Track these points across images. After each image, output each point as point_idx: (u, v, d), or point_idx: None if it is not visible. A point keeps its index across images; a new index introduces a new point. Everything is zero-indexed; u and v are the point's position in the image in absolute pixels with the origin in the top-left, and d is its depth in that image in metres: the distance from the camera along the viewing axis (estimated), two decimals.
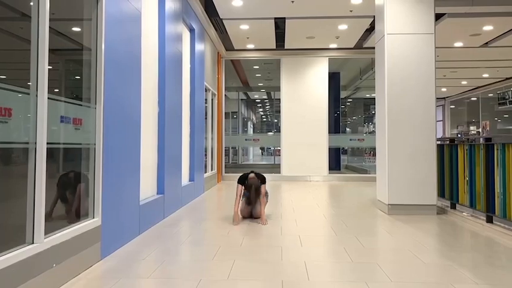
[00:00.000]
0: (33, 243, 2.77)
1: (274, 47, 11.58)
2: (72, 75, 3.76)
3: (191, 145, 8.15)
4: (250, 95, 20.02)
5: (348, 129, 17.06)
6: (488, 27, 9.09)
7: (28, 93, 2.78)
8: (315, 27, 9.72)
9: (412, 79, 6.29)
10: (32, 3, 2.84)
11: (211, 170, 10.67)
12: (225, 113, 12.55)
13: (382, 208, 6.46)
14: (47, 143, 2.89)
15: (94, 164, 3.69)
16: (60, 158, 3.37)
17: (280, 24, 9.68)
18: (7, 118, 2.53)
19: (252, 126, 24.11)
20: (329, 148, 11.97)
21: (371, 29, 9.54)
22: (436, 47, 6.36)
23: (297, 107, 11.99)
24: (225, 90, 12.53)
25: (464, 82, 16.32)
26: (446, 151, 6.62)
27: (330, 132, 12.03)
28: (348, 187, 10.33)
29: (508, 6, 7.62)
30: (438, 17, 8.21)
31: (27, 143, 2.77)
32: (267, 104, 22.49)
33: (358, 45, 11.25)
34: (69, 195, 3.51)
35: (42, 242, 2.82)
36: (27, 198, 2.76)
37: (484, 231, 5.02)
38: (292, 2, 8.01)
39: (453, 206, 6.35)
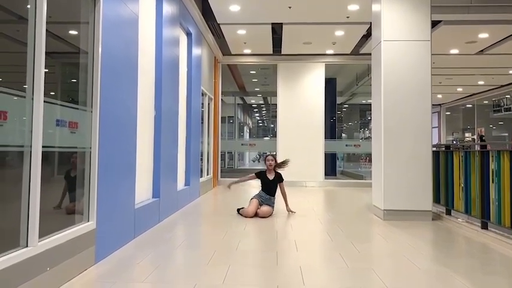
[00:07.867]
0: (27, 246, 2.75)
1: (271, 52, 11.61)
2: (69, 78, 3.76)
3: (187, 149, 8.14)
4: (246, 99, 20.06)
5: (343, 135, 17.09)
6: (483, 35, 9.16)
7: (24, 96, 2.77)
8: (312, 33, 9.76)
9: (408, 85, 6.30)
10: (29, 6, 2.84)
11: (207, 174, 10.66)
12: (222, 117, 12.55)
13: (378, 213, 6.46)
14: (42, 147, 2.88)
15: (89, 168, 3.68)
16: (56, 161, 3.36)
17: (277, 30, 9.71)
18: (2, 121, 2.52)
19: (248, 131, 24.15)
20: (325, 154, 11.97)
21: (368, 35, 9.57)
22: (432, 54, 6.37)
23: (293, 112, 11.99)
24: (222, 94, 12.53)
25: (459, 89, 16.43)
26: (442, 157, 6.62)
27: (325, 137, 12.01)
28: (343, 193, 10.34)
29: (503, 14, 7.69)
30: (434, 24, 8.26)
31: (22, 146, 2.76)
32: (264, 109, 22.56)
33: (355, 51, 11.28)
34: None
35: (37, 245, 2.80)
36: (22, 201, 2.75)
37: (479, 237, 5.03)
38: (290, 7, 8.04)
39: (448, 212, 6.34)
